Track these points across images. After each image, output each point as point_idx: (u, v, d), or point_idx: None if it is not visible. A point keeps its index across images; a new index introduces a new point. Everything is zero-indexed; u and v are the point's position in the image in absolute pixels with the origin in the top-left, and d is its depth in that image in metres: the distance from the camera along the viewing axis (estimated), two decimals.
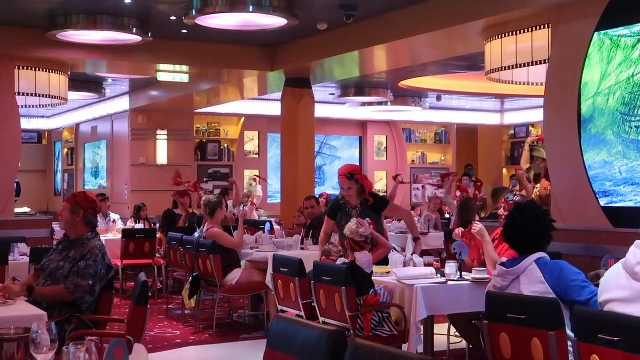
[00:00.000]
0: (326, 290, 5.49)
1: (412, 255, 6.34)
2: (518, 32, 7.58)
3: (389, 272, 5.81)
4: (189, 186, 11.52)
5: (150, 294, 4.91)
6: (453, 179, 11.48)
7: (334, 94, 14.65)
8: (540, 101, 8.42)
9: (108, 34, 9.22)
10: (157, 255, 10.22)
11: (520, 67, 7.72)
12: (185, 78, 11.66)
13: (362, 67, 11.41)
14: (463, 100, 16.59)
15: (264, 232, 8.74)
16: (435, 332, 5.67)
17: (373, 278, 5.55)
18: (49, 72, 10.03)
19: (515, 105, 17.23)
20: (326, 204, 9.71)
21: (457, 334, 6.34)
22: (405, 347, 5.35)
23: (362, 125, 17.91)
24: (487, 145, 18.10)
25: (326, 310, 5.54)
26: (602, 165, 6.76)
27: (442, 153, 18.58)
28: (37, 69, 9.94)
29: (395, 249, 6.73)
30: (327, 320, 5.49)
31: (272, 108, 15.06)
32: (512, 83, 8.83)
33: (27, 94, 10.01)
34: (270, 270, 6.69)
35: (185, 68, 11.30)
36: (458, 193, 11.16)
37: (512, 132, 18.05)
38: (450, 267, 5.63)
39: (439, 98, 15.57)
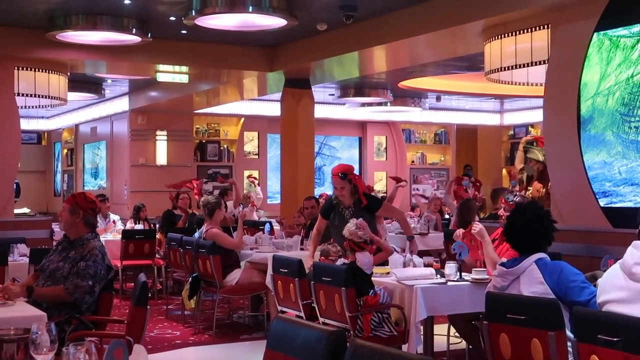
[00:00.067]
0: (326, 291, 5.49)
1: (411, 255, 6.35)
2: (517, 32, 7.58)
3: (388, 273, 5.81)
4: (190, 186, 11.53)
5: (149, 295, 4.91)
6: (452, 179, 11.48)
7: (333, 95, 14.65)
8: (540, 101, 8.42)
9: (107, 34, 9.22)
10: (157, 255, 10.22)
11: (520, 67, 7.72)
12: (184, 78, 11.66)
13: (361, 68, 11.41)
14: (462, 100, 16.59)
15: (263, 233, 8.74)
16: (435, 333, 5.67)
17: (373, 278, 5.55)
18: (49, 72, 10.02)
19: (514, 105, 17.23)
20: None
21: (456, 334, 6.34)
22: (405, 347, 5.35)
23: (362, 125, 17.91)
24: (487, 145, 18.10)
25: (326, 310, 5.54)
26: (601, 165, 6.76)
27: (441, 153, 18.58)
28: (37, 70, 9.93)
29: (395, 250, 6.72)
30: (327, 321, 5.49)
31: (272, 108, 15.06)
32: (512, 83, 8.83)
33: (27, 95, 10.00)
34: (270, 271, 6.69)
35: (184, 68, 11.31)
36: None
37: (511, 132, 18.06)
38: (450, 268, 5.63)
39: (438, 98, 15.58)
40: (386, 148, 18.17)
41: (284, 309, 6.19)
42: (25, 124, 15.41)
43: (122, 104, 15.33)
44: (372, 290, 5.37)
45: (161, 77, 11.59)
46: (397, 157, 18.05)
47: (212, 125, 16.45)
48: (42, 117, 18.71)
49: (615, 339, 3.15)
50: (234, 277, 7.73)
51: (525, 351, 3.82)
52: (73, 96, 12.69)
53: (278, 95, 12.32)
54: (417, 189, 17.85)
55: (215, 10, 8.03)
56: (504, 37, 7.71)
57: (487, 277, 5.27)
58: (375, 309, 5.30)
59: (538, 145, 8.55)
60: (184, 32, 9.84)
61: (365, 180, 16.88)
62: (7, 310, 4.23)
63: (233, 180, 13.17)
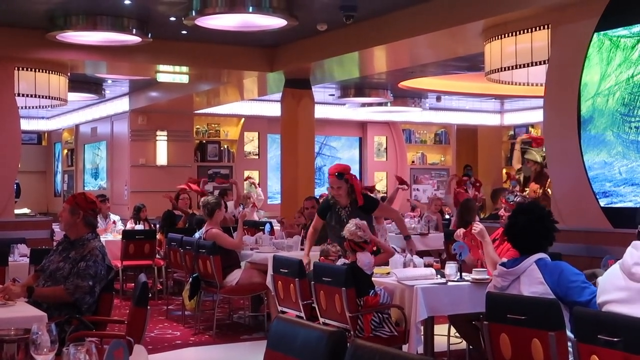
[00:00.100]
0: (326, 291, 5.49)
1: (411, 255, 6.35)
2: (518, 32, 7.58)
3: (388, 273, 5.81)
4: (196, 188, 11.54)
5: (150, 295, 4.91)
6: (452, 177, 11.48)
7: (333, 95, 14.65)
8: (540, 102, 8.42)
9: (108, 34, 9.22)
10: (157, 256, 10.22)
11: (520, 67, 7.72)
12: (184, 79, 11.67)
13: (361, 68, 11.41)
14: (463, 100, 16.59)
15: (263, 233, 8.74)
16: (435, 333, 5.67)
17: (373, 279, 5.55)
18: (49, 73, 10.03)
19: (515, 105, 17.23)
20: None
21: (457, 334, 6.33)
22: (405, 347, 5.35)
23: (362, 125, 17.91)
24: (487, 145, 18.10)
25: (326, 311, 5.54)
26: (601, 165, 6.76)
27: (441, 154, 18.58)
28: (37, 70, 9.93)
29: (396, 250, 6.73)
30: (327, 321, 5.49)
31: (272, 109, 15.06)
32: (512, 83, 8.83)
33: (27, 95, 10.01)
34: (270, 271, 6.69)
35: (184, 69, 11.31)
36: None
37: (511, 132, 18.04)
38: (450, 268, 5.63)
39: (438, 99, 15.58)
40: (386, 148, 18.17)
41: (284, 309, 6.19)
42: (25, 125, 15.39)
43: (123, 105, 15.32)
44: (372, 291, 5.37)
45: (161, 78, 11.59)
46: (398, 158, 18.05)
47: (213, 125, 16.45)
48: (43, 118, 18.71)
49: (615, 339, 3.15)
50: (234, 277, 7.73)
51: (525, 351, 3.82)
52: (73, 96, 12.69)
53: (278, 96, 12.32)
54: (417, 189, 17.87)
55: (216, 10, 8.03)
56: (504, 37, 7.71)
57: (487, 277, 5.26)
58: (376, 309, 5.30)
59: (533, 146, 8.55)
60: (184, 32, 9.84)
61: (365, 180, 16.94)
62: (7, 310, 4.23)
63: (234, 180, 13.17)
